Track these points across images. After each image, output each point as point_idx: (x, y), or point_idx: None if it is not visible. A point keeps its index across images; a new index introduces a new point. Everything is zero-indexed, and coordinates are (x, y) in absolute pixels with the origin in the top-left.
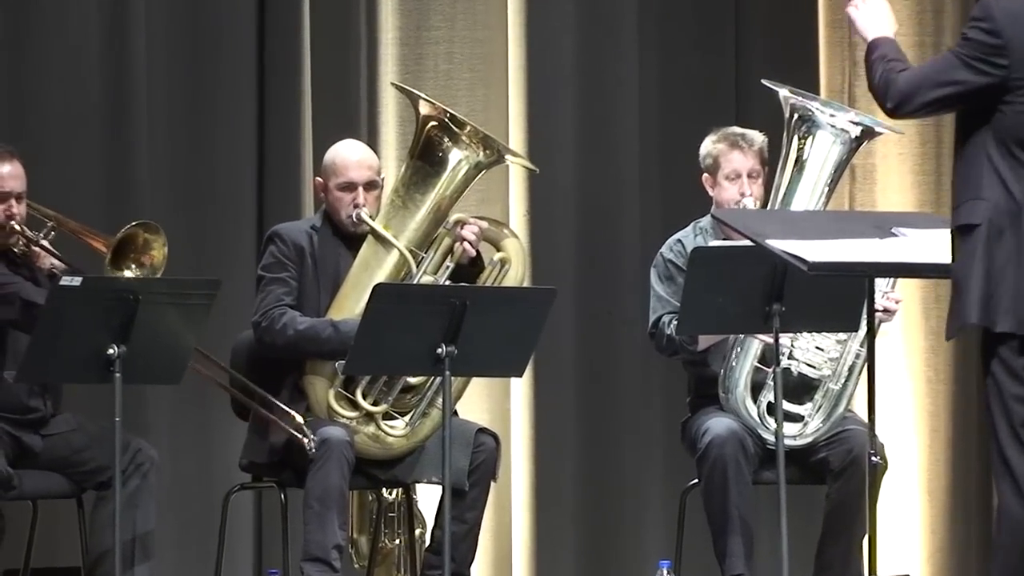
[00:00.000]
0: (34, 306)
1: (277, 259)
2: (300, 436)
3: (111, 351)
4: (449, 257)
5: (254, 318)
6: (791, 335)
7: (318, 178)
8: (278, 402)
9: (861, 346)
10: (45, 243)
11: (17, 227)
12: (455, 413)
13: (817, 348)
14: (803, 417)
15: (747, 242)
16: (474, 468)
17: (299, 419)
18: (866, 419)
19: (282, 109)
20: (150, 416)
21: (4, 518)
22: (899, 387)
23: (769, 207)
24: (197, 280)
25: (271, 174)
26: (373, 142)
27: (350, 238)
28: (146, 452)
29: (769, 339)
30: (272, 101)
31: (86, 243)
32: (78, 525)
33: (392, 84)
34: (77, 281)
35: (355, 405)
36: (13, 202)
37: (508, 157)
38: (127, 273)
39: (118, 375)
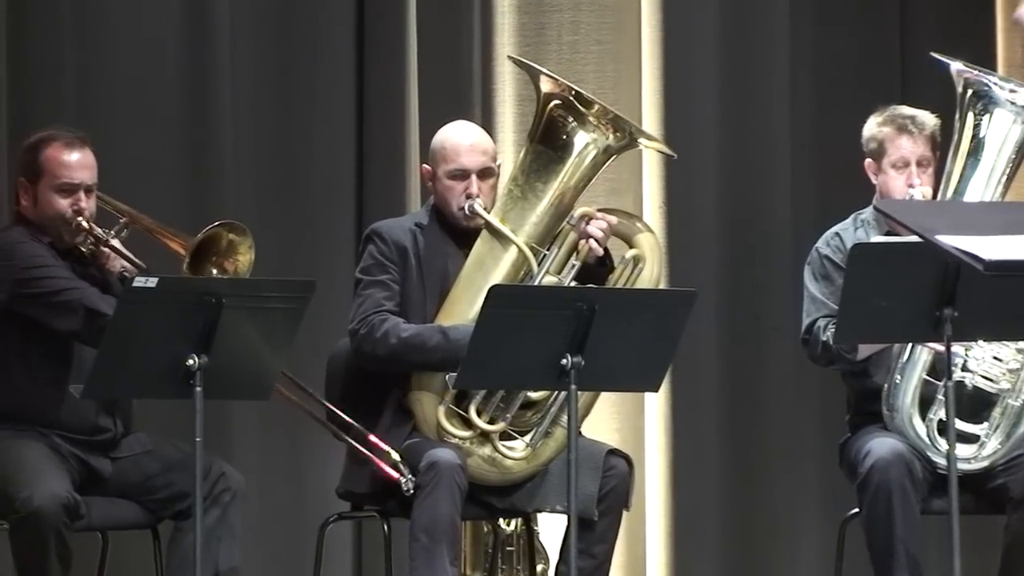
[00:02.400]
0: (99, 315)
1: (377, 260)
2: (396, 475)
3: (191, 362)
4: (574, 255)
5: (351, 325)
6: (965, 344)
7: (425, 165)
8: (374, 436)
9: None
10: (116, 243)
11: (85, 224)
12: (581, 433)
13: (995, 358)
14: (979, 437)
15: (915, 238)
16: (604, 495)
17: (395, 456)
18: None
19: (384, 87)
20: (235, 437)
21: (71, 551)
22: None
23: (940, 197)
24: (289, 281)
25: (371, 162)
26: (487, 125)
27: (461, 234)
28: (231, 477)
29: (940, 348)
30: (372, 78)
31: (162, 244)
32: (154, 559)
33: (509, 58)
34: (152, 282)
35: (468, 424)
36: (82, 195)
37: (642, 141)
38: None
39: (199, 389)
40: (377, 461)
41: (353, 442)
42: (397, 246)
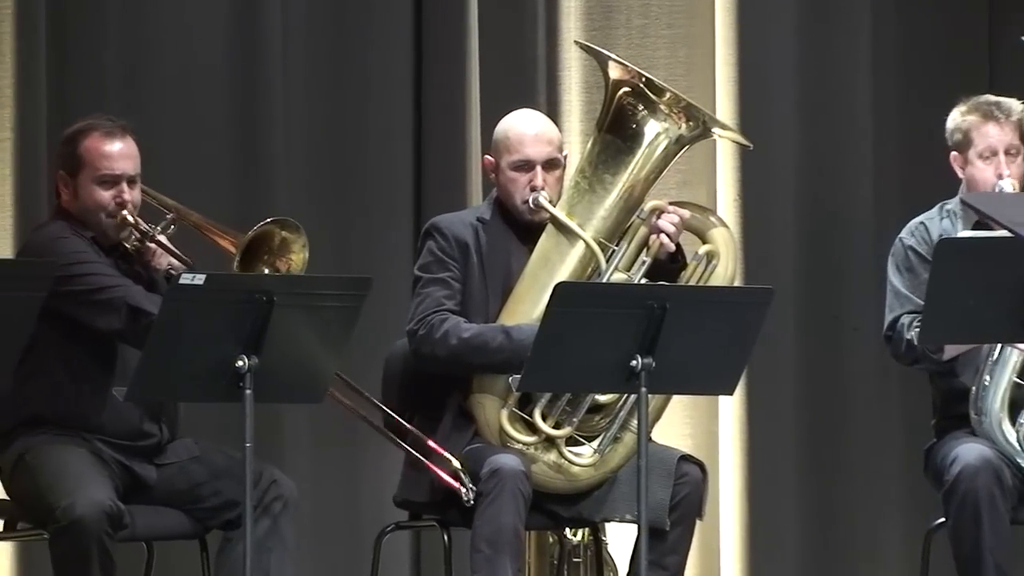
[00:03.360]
0: (143, 314)
1: (437, 257)
2: (457, 484)
3: (240, 363)
4: (644, 251)
5: (410, 326)
6: None
7: (488, 156)
8: (433, 442)
9: None
10: (162, 238)
11: (129, 218)
12: (651, 438)
13: None
14: None
15: (1005, 232)
16: (676, 503)
17: (456, 463)
18: None
19: (443, 73)
20: (287, 442)
21: (114, 562)
22: None
23: None
24: (344, 279)
25: (430, 154)
26: (552, 113)
27: (525, 229)
28: (282, 485)
29: None
30: (431, 64)
31: (211, 241)
32: (201, 570)
33: (576, 43)
34: (200, 279)
35: (533, 428)
36: (124, 187)
37: (715, 130)
38: None
39: (249, 392)
40: (436, 469)
41: (411, 449)
42: (458, 242)
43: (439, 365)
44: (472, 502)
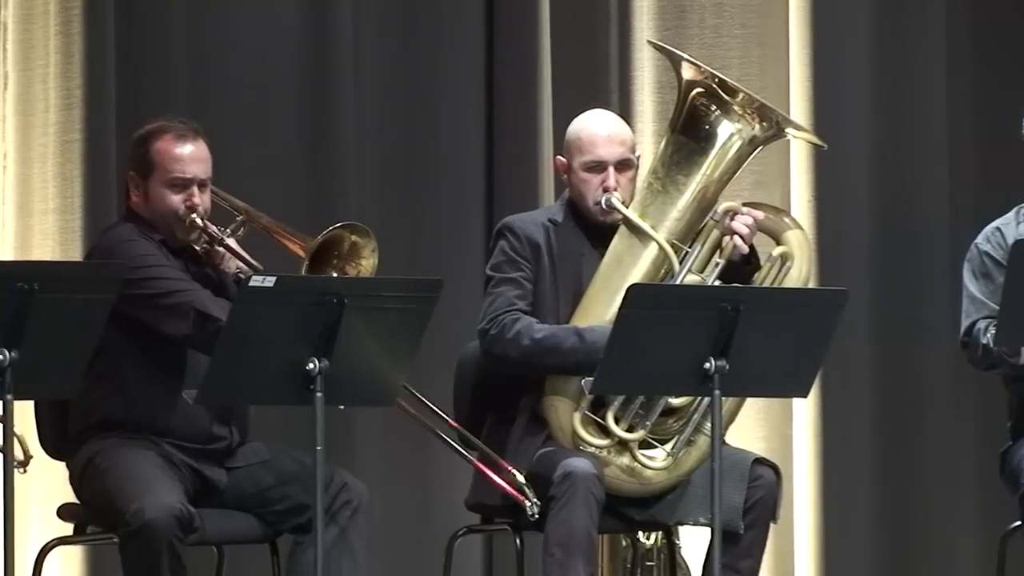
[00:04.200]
0: (211, 320)
1: (509, 256)
2: (521, 498)
3: (311, 366)
4: (718, 252)
5: (481, 325)
6: None
7: (560, 157)
8: (500, 451)
9: None
10: (231, 242)
11: (199, 221)
12: (725, 441)
13: None
14: None
15: None
16: (750, 506)
17: (520, 478)
18: None
19: (515, 74)
20: (358, 446)
21: (184, 566)
22: None
23: None
24: (415, 281)
25: (501, 155)
26: (625, 114)
27: (596, 230)
28: (354, 488)
29: None
30: (502, 65)
31: (280, 245)
32: (272, 574)
33: (649, 42)
34: (270, 281)
35: (606, 432)
36: (195, 190)
37: (789, 131)
38: None
39: (319, 395)
40: (501, 482)
41: (476, 462)
42: (530, 242)
43: (510, 365)
44: (536, 516)
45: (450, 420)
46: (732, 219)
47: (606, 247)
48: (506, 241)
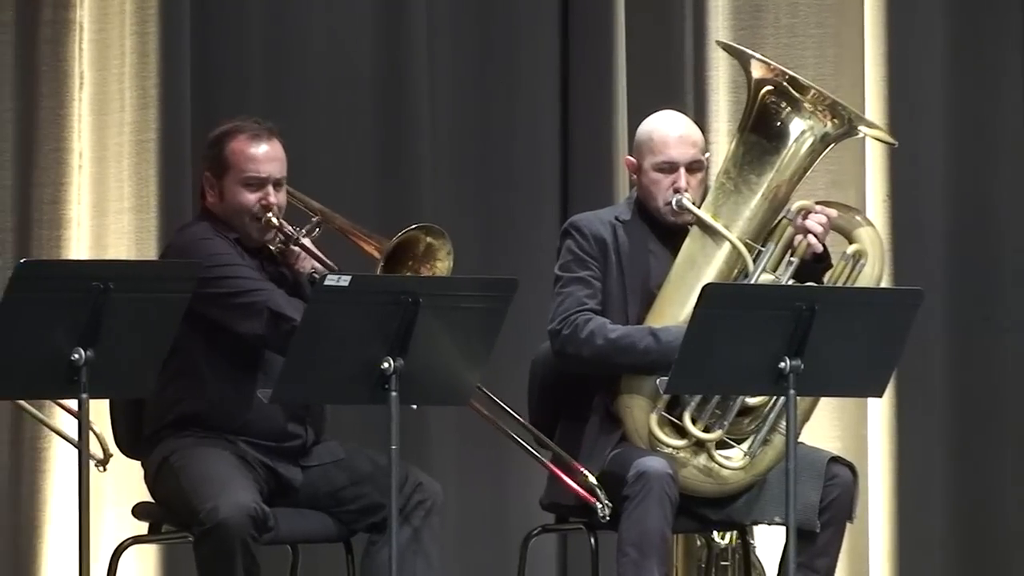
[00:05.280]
0: (284, 319)
1: (577, 256)
2: (592, 500)
3: (386, 365)
4: (791, 251)
5: (552, 325)
6: None
7: (630, 157)
8: (569, 457)
9: None
10: (306, 242)
11: (275, 221)
12: (800, 440)
13: None
14: None
15: None
16: (826, 505)
17: (592, 479)
18: None
19: (590, 73)
20: (433, 445)
21: (259, 565)
22: None
23: None
24: (490, 280)
25: (577, 155)
26: (700, 113)
27: (664, 231)
28: (429, 488)
29: None
30: (578, 65)
31: (355, 245)
32: (347, 574)
33: (718, 42)
34: (345, 281)
35: (682, 432)
36: (270, 190)
37: (862, 128)
38: None
39: (394, 394)
40: (572, 484)
41: (548, 464)
42: (597, 240)
43: (583, 365)
44: (608, 518)
45: (523, 421)
46: (805, 218)
47: (674, 247)
48: (573, 240)
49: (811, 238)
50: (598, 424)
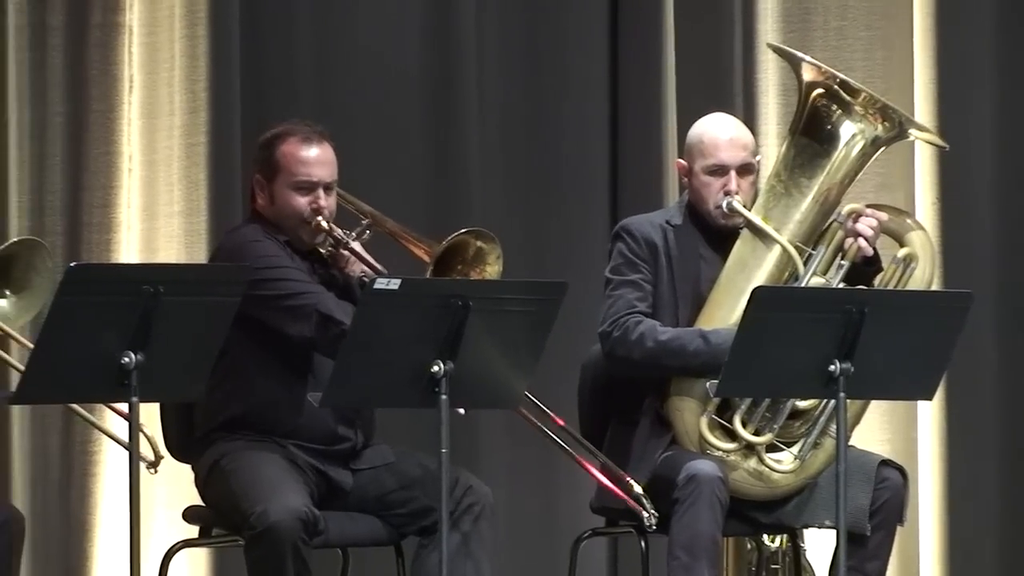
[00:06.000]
0: (334, 323)
1: (627, 258)
2: (638, 508)
3: (436, 368)
4: (841, 254)
5: (602, 327)
6: None
7: (680, 160)
8: (615, 467)
9: None
10: (356, 245)
11: (325, 224)
12: (851, 443)
13: None
14: None
15: None
16: (876, 509)
17: (637, 488)
18: None
19: (639, 76)
20: (483, 448)
21: (310, 569)
22: None
23: None
24: (539, 283)
25: (626, 157)
26: (749, 116)
27: (715, 234)
28: (479, 491)
29: None
30: (627, 67)
31: (405, 249)
32: None
33: (768, 45)
34: (395, 284)
35: (733, 435)
36: (321, 193)
37: (912, 131)
38: None
39: (444, 397)
40: (619, 492)
41: (595, 472)
42: (647, 243)
43: (633, 367)
44: (654, 527)
45: (570, 430)
46: (856, 221)
47: (725, 250)
48: (624, 243)
49: (861, 241)
50: (648, 427)
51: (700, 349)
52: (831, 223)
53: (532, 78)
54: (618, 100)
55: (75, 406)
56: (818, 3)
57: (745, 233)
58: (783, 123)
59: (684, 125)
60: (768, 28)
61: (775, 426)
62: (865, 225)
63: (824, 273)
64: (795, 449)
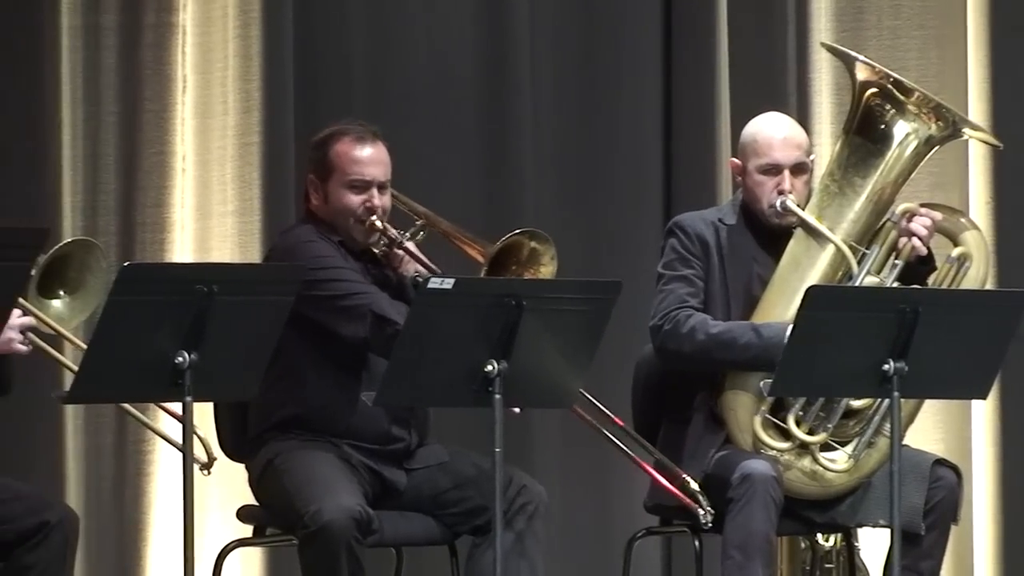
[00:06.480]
0: (388, 323)
1: (680, 254)
2: (695, 505)
3: (489, 368)
4: (895, 254)
5: (653, 322)
6: None
7: (734, 159)
8: (671, 463)
9: None
10: (410, 245)
11: (379, 224)
12: (905, 443)
13: None
14: None
15: None
16: (931, 508)
17: (694, 485)
18: None
19: (692, 75)
20: (536, 447)
21: (363, 568)
22: None
23: None
24: (593, 283)
25: (680, 156)
26: (802, 115)
27: (768, 234)
28: (533, 490)
29: None
30: (680, 66)
31: (459, 249)
32: None
33: (822, 44)
34: (449, 283)
35: (787, 434)
36: (374, 192)
37: (966, 131)
38: None
39: (498, 396)
40: (674, 490)
41: (651, 470)
42: (700, 239)
43: (683, 361)
44: (710, 525)
45: (626, 427)
46: (910, 220)
47: (778, 250)
48: (676, 239)
49: (916, 240)
50: (701, 424)
51: (752, 342)
52: (885, 222)
53: (585, 78)
54: (671, 100)
55: (128, 406)
56: (871, 2)
57: (799, 232)
58: (836, 122)
59: (737, 124)
60: (821, 27)
61: (829, 425)
62: (919, 224)
63: (878, 272)
64: (849, 448)
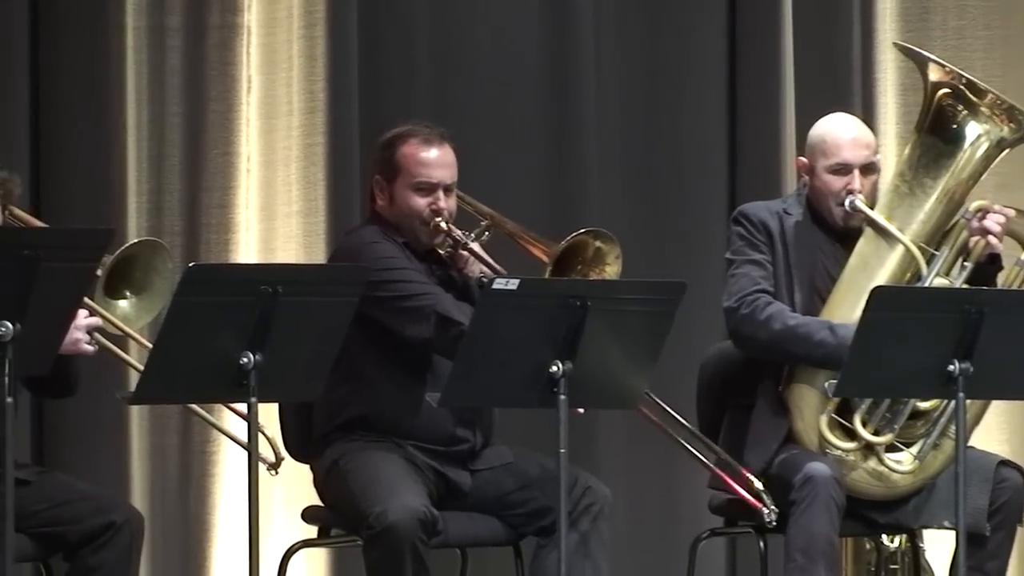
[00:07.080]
0: (452, 324)
1: (747, 239)
2: (759, 505)
3: (554, 368)
4: (965, 255)
5: (728, 304)
6: None
7: (802, 158)
8: (735, 463)
9: None
10: (475, 246)
11: (444, 225)
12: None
13: None
14: None
15: None
16: (996, 509)
17: (758, 484)
18: None
19: (758, 76)
20: (601, 449)
21: (428, 569)
22: None
23: None
24: (658, 283)
25: (745, 156)
26: (868, 115)
27: (834, 233)
28: (597, 491)
29: None
30: (745, 66)
31: (524, 250)
32: None
33: (895, 44)
34: (513, 284)
35: (852, 435)
36: (441, 194)
37: None
38: None
39: (563, 397)
40: (738, 490)
41: (715, 469)
42: (764, 227)
43: (758, 348)
44: (774, 524)
45: (691, 428)
46: (983, 218)
47: (844, 244)
48: (742, 227)
49: (990, 238)
50: (766, 409)
51: (826, 340)
52: (955, 223)
53: (650, 78)
54: (737, 99)
55: (194, 406)
56: (937, 2)
57: (868, 232)
58: (902, 122)
59: (803, 123)
60: (887, 28)
61: (895, 426)
62: (993, 221)
63: (947, 274)
64: (914, 449)
